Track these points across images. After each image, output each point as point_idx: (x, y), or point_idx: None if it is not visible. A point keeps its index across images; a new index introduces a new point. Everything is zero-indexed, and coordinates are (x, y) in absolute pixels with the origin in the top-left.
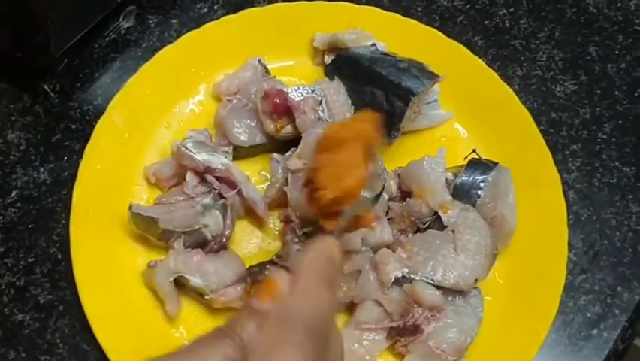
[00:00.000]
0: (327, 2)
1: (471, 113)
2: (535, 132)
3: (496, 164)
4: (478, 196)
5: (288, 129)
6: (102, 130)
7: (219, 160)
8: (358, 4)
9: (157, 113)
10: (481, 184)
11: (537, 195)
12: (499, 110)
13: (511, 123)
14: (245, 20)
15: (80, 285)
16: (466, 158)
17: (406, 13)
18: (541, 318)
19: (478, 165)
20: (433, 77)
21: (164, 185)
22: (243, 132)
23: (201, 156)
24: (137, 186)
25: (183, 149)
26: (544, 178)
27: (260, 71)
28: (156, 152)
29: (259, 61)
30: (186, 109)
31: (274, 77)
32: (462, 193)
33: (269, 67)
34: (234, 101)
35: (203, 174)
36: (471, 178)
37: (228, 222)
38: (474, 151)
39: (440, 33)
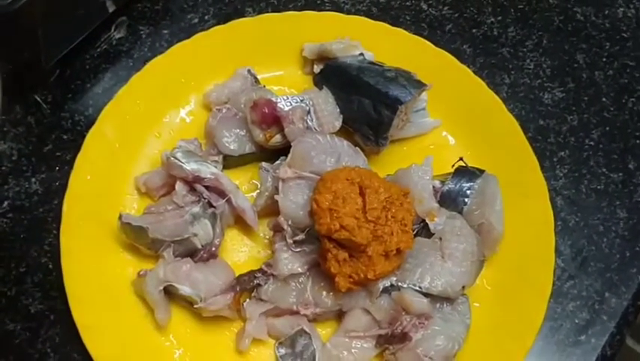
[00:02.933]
0: (315, 12)
1: (459, 121)
2: (523, 140)
3: (482, 172)
4: (465, 204)
5: (277, 139)
6: (93, 140)
7: (208, 169)
8: (347, 13)
9: (147, 123)
10: (468, 192)
11: (524, 202)
12: (486, 118)
13: (499, 131)
14: (235, 31)
15: (70, 295)
16: (453, 166)
17: (395, 22)
18: (528, 324)
19: (465, 172)
20: (420, 85)
21: (154, 194)
22: (233, 142)
23: (190, 166)
24: (127, 196)
25: (172, 159)
26: (531, 185)
27: (249, 81)
28: (147, 161)
29: (249, 71)
30: (177, 119)
31: (264, 86)
32: (449, 201)
33: (259, 77)
34: (224, 110)
35: (192, 183)
36: (457, 186)
37: (218, 231)
38: (461, 159)
39: (427, 42)
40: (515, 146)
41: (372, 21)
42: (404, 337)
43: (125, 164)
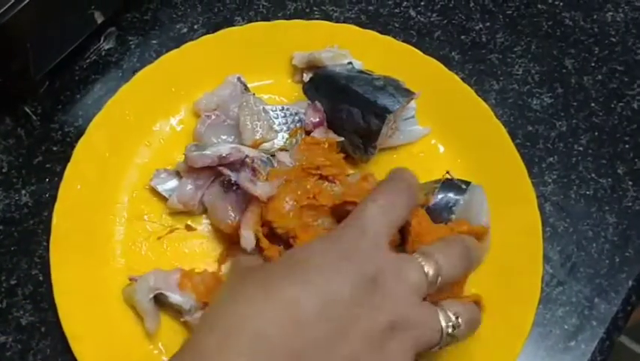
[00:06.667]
0: (304, 21)
1: (447, 128)
2: (510, 147)
3: (468, 184)
4: (450, 219)
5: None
6: (82, 151)
7: (225, 146)
8: (336, 22)
9: (137, 133)
10: (453, 208)
11: (512, 209)
12: (474, 125)
13: (487, 138)
14: (224, 40)
15: (60, 306)
16: (438, 181)
17: (384, 30)
18: (516, 331)
19: (451, 187)
20: (408, 94)
21: (191, 206)
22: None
23: (210, 150)
24: (117, 205)
25: (192, 153)
26: (519, 193)
27: (239, 88)
28: (137, 171)
29: (238, 78)
30: (167, 127)
31: (254, 93)
32: (434, 215)
33: (248, 85)
34: (213, 117)
35: (218, 167)
36: (443, 201)
37: None
38: (447, 173)
39: (416, 49)
40: (503, 153)
41: (361, 29)
42: None
43: (115, 173)
